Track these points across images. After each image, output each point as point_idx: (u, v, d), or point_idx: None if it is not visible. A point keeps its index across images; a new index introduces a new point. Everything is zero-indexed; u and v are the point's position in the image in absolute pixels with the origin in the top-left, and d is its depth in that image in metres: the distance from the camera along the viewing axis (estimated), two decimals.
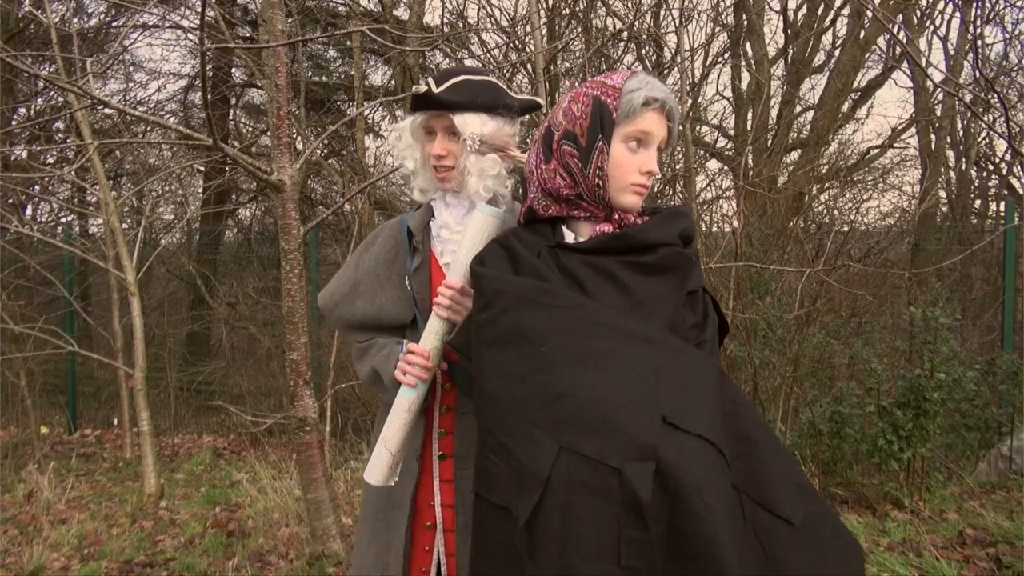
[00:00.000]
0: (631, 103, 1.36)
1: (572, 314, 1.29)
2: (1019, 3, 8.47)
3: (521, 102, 1.72)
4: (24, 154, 7.69)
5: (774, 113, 8.86)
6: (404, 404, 1.55)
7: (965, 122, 9.55)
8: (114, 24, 9.11)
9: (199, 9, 2.49)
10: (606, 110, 1.37)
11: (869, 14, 7.05)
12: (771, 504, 1.24)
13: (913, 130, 9.65)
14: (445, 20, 7.41)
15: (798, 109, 9.15)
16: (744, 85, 9.10)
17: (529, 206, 1.47)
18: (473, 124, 1.64)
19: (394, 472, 1.60)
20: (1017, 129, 6.70)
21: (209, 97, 2.63)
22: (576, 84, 1.45)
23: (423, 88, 1.64)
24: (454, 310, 1.52)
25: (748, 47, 8.82)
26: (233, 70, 9.83)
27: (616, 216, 1.42)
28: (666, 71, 7.11)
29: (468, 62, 6.67)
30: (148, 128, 7.82)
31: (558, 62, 5.95)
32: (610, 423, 1.18)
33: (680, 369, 1.26)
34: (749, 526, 1.22)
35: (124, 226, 6.26)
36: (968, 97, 5.90)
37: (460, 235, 1.62)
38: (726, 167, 7.75)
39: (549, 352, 1.26)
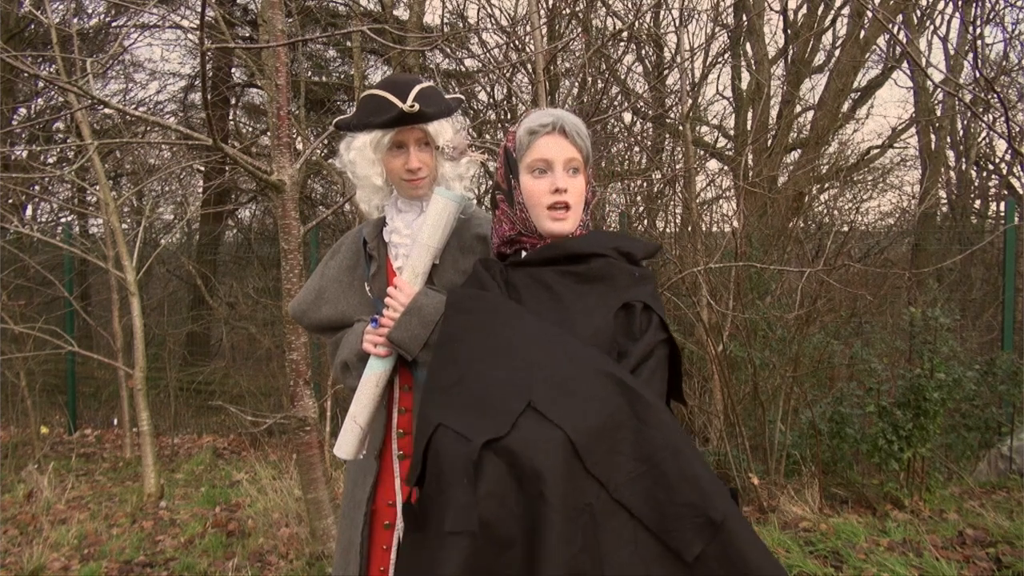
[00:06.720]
0: (520, 138, 1.52)
1: (487, 317, 1.44)
2: (1019, 3, 8.47)
3: (457, 99, 1.75)
4: (24, 154, 7.69)
5: (774, 113, 8.86)
6: (372, 380, 1.65)
7: (965, 122, 9.54)
8: (114, 24, 9.11)
9: (199, 9, 2.49)
10: (510, 153, 1.54)
11: (869, 14, 7.05)
12: (665, 534, 1.23)
13: (913, 130, 9.65)
14: (445, 20, 7.41)
15: (798, 109, 9.14)
16: (744, 85, 9.10)
17: (496, 251, 1.62)
18: (446, 131, 1.66)
19: (362, 446, 1.68)
20: (1017, 129, 6.70)
21: (209, 97, 2.63)
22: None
23: (409, 107, 1.60)
24: (392, 307, 1.62)
25: (748, 47, 8.82)
26: (233, 70, 9.82)
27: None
28: (666, 71, 7.11)
29: (468, 62, 6.68)
30: (148, 128, 7.82)
31: (558, 62, 5.95)
32: (483, 406, 1.31)
33: (565, 372, 1.32)
34: (618, 544, 1.22)
35: (124, 226, 6.26)
36: (968, 97, 5.90)
37: (419, 223, 1.67)
38: (726, 167, 7.75)
39: (461, 349, 1.43)
